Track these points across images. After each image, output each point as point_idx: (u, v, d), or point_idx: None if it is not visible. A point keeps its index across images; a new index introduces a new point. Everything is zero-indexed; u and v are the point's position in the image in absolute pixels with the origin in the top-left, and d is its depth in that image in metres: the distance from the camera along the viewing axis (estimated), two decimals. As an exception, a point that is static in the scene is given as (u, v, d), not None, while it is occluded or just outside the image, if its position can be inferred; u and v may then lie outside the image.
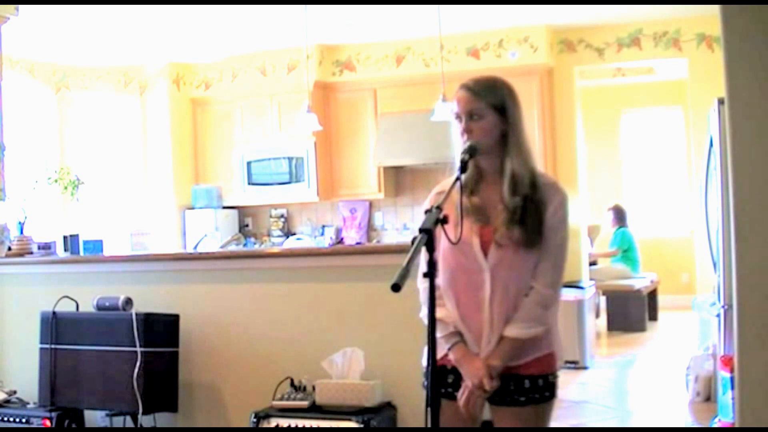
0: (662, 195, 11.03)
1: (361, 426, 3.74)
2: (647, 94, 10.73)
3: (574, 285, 7.20)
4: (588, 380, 6.60)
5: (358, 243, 7.93)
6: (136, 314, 4.15)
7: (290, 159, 8.21)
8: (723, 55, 3.16)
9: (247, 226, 8.86)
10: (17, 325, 4.87)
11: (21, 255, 4.98)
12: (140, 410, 4.04)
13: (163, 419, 4.30)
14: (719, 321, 4.73)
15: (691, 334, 7.40)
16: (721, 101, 4.39)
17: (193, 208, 8.57)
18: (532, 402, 2.48)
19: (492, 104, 2.49)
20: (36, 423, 4.28)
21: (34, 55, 7.90)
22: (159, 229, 8.33)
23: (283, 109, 8.22)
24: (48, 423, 4.25)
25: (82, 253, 5.34)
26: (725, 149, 3.63)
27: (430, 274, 2.18)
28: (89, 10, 6.54)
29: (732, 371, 4.24)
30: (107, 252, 5.78)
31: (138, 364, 4.06)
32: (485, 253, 2.46)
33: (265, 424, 3.95)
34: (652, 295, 9.58)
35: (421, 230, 2.18)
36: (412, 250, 2.13)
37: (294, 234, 8.60)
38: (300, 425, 3.88)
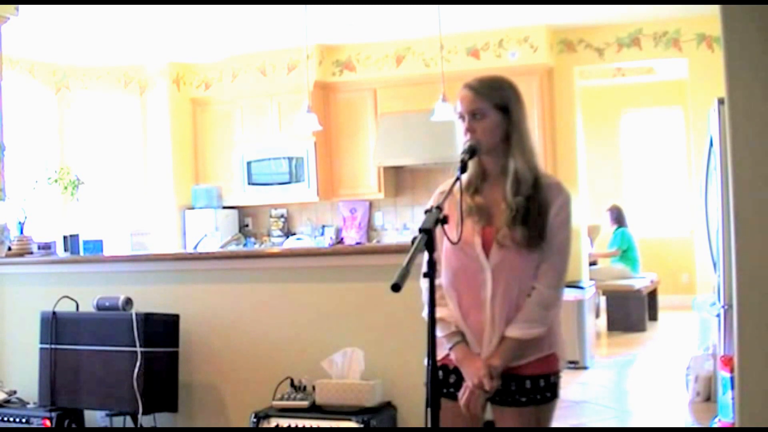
0: (662, 195, 11.03)
1: (361, 426, 3.74)
2: (647, 94, 10.73)
3: (574, 285, 7.19)
4: (588, 380, 6.60)
5: (358, 243, 7.93)
6: (136, 314, 4.15)
7: (290, 159, 8.20)
8: (723, 55, 3.16)
9: (247, 226, 8.86)
10: (17, 325, 4.87)
11: (21, 255, 4.98)
12: (140, 410, 4.04)
13: (163, 419, 4.30)
14: (719, 321, 4.73)
15: (691, 334, 7.40)
16: (721, 101, 4.39)
17: (193, 208, 8.57)
18: (533, 402, 2.49)
19: (495, 104, 2.49)
20: (36, 423, 4.28)
21: (34, 55, 7.90)
22: (159, 229, 8.33)
23: (283, 109, 8.22)
24: (48, 423, 4.25)
25: (82, 253, 5.34)
26: (725, 149, 3.63)
27: (430, 274, 2.19)
28: (89, 10, 6.54)
29: (732, 371, 4.24)
30: (107, 252, 5.77)
31: (138, 364, 4.06)
32: (487, 253, 2.46)
33: (265, 424, 3.95)
34: (652, 295, 9.58)
35: (421, 230, 2.18)
36: (412, 250, 2.13)
37: (294, 234, 8.60)
38: (300, 425, 3.88)
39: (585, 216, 7.99)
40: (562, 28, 7.66)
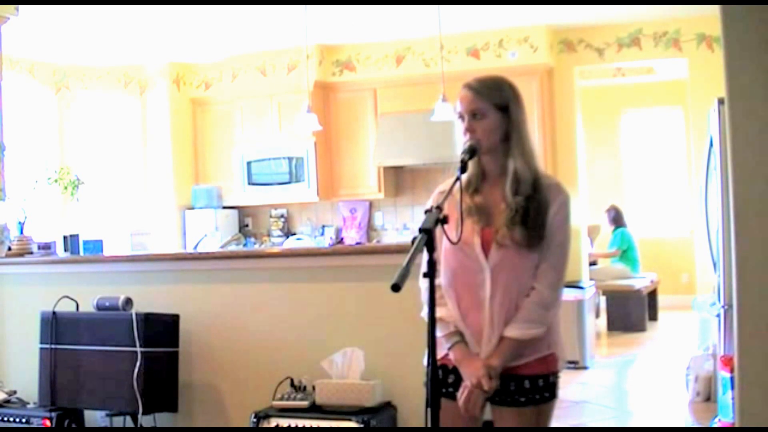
0: (662, 195, 11.03)
1: (361, 426, 3.75)
2: (647, 94, 10.72)
3: (574, 285, 7.19)
4: (588, 380, 6.60)
5: (358, 243, 7.93)
6: (136, 314, 4.15)
7: (290, 159, 8.20)
8: (723, 55, 3.16)
9: (247, 226, 8.86)
10: (17, 325, 4.87)
11: (21, 255, 4.98)
12: (140, 410, 4.04)
13: (163, 419, 4.30)
14: (719, 321, 4.73)
15: (691, 334, 7.39)
16: (721, 101, 4.39)
17: (193, 208, 8.57)
18: (532, 402, 2.48)
19: (495, 104, 2.50)
20: (36, 423, 4.28)
21: (34, 55, 7.90)
22: (159, 229, 8.33)
23: (283, 109, 8.22)
24: (48, 423, 4.25)
25: (82, 253, 5.34)
26: (725, 149, 3.63)
27: (430, 274, 2.19)
28: (89, 10, 6.54)
29: (732, 371, 4.24)
30: (107, 252, 5.77)
31: (138, 364, 4.06)
32: (486, 253, 2.46)
33: (265, 424, 3.95)
34: (652, 295, 9.58)
35: (421, 230, 2.18)
36: (412, 250, 2.13)
37: (294, 234, 8.60)
38: (300, 425, 3.88)
39: (585, 216, 7.99)
40: (562, 28, 7.66)
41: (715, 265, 4.77)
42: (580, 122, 8.01)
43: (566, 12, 7.17)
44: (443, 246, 2.47)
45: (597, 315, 8.83)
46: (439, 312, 2.45)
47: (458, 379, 2.49)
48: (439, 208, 2.26)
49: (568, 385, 6.39)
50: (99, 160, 8.46)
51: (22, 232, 5.18)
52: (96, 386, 4.22)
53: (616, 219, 9.65)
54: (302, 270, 4.30)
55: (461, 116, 2.52)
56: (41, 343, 4.40)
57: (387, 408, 3.94)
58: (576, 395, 6.07)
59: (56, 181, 7.16)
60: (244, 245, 7.66)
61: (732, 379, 4.24)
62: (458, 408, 2.46)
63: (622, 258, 9.50)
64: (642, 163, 11.21)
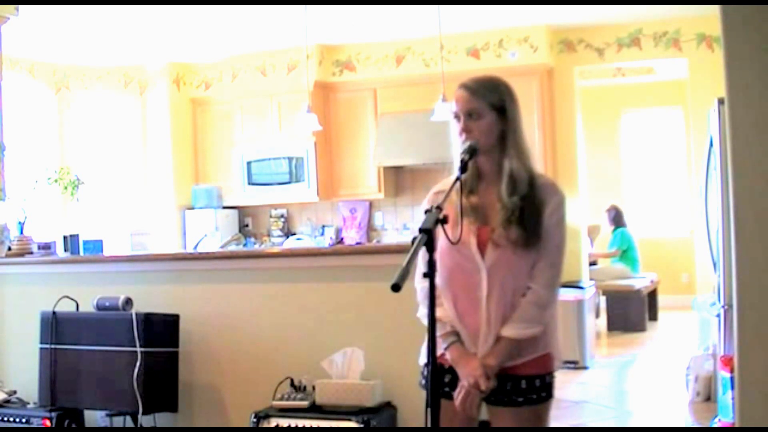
0: (662, 195, 11.03)
1: (361, 426, 3.74)
2: (647, 94, 10.72)
3: (574, 285, 7.19)
4: (588, 380, 6.60)
5: (358, 243, 7.93)
6: (136, 314, 4.15)
7: (290, 159, 8.20)
8: (723, 55, 3.16)
9: (247, 226, 8.86)
10: (17, 325, 4.87)
11: (21, 255, 4.98)
12: (140, 410, 4.04)
13: (163, 419, 4.30)
14: (719, 321, 4.73)
15: (691, 334, 7.40)
16: (721, 101, 4.39)
17: (193, 208, 8.57)
18: (528, 402, 2.49)
19: (491, 104, 2.50)
20: (36, 423, 4.28)
21: (34, 55, 7.90)
22: (159, 229, 8.33)
23: (283, 109, 8.22)
24: (48, 423, 4.25)
25: (82, 253, 5.34)
26: (725, 149, 3.63)
27: (430, 274, 2.18)
28: (89, 10, 6.54)
29: (732, 371, 4.24)
30: (107, 252, 5.77)
31: (138, 364, 4.06)
32: (482, 252, 2.46)
33: (265, 424, 3.95)
34: (652, 295, 9.58)
35: (421, 230, 2.18)
36: (412, 250, 2.13)
37: (294, 234, 8.60)
38: (300, 425, 3.88)
39: (585, 216, 7.99)
40: (562, 28, 7.66)
41: (715, 265, 4.77)
42: (580, 122, 8.01)
43: (566, 12, 7.17)
44: (439, 246, 2.47)
45: (597, 315, 8.83)
46: (437, 312, 2.46)
47: (455, 379, 2.49)
48: (439, 208, 2.26)
49: (568, 385, 6.39)
50: (99, 160, 8.46)
51: (22, 232, 5.18)
52: (96, 386, 4.22)
53: (617, 219, 9.65)
54: (302, 270, 4.30)
55: (457, 116, 2.52)
56: (41, 343, 4.40)
57: (387, 408, 3.94)
58: (576, 395, 6.07)
59: (56, 181, 7.17)
60: (244, 245, 7.66)
61: (732, 379, 4.24)
62: (455, 408, 2.46)
63: (622, 258, 9.50)
64: (642, 163, 11.21)
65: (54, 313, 4.37)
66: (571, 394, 6.07)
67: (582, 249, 7.72)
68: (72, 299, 4.43)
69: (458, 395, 2.46)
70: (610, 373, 6.96)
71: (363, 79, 8.19)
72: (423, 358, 2.61)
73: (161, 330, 4.21)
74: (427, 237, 2.16)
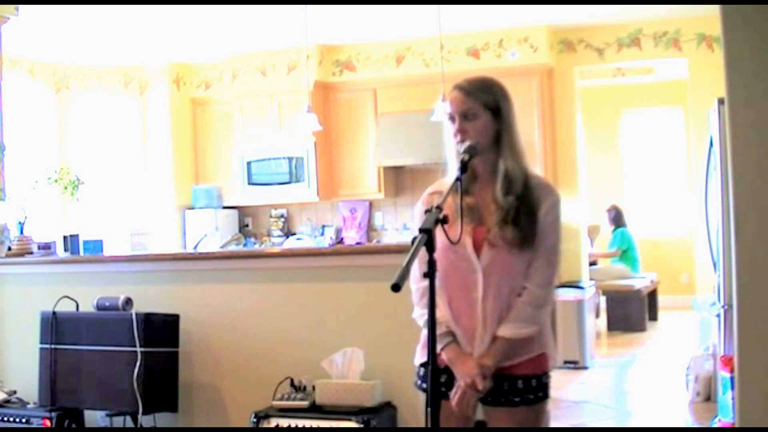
0: (662, 195, 11.03)
1: (361, 426, 3.75)
2: (647, 94, 10.73)
3: (574, 285, 7.20)
4: (588, 380, 6.60)
5: (358, 243, 7.93)
6: (136, 314, 4.15)
7: (290, 159, 8.20)
8: (723, 55, 3.15)
9: (247, 226, 8.86)
10: (17, 325, 4.87)
11: (21, 255, 4.98)
12: (140, 410, 4.04)
13: (163, 419, 4.30)
14: (719, 321, 4.73)
15: (691, 334, 7.40)
16: (721, 101, 4.39)
17: (193, 208, 8.57)
18: (525, 402, 2.49)
19: (486, 104, 2.50)
20: (36, 423, 4.28)
21: (34, 55, 7.90)
22: (159, 229, 8.33)
23: (283, 109, 8.22)
24: (48, 423, 4.25)
25: (82, 253, 5.34)
26: (725, 149, 3.63)
27: (431, 274, 2.18)
28: (89, 10, 6.54)
29: (732, 371, 4.24)
30: (107, 252, 5.77)
31: (138, 364, 4.06)
32: (478, 253, 2.46)
33: (265, 424, 3.95)
34: (652, 295, 9.58)
35: (421, 230, 2.18)
36: (413, 250, 2.14)
37: (294, 234, 8.60)
38: (300, 425, 3.88)
39: (585, 216, 7.99)
40: (562, 28, 7.66)
41: (715, 265, 4.77)
42: (580, 122, 8.01)
43: (566, 12, 7.17)
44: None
45: (597, 315, 8.83)
46: None
47: (451, 379, 2.49)
48: (439, 207, 2.26)
49: (568, 385, 6.39)
50: (99, 160, 8.46)
51: (22, 232, 5.18)
52: (96, 386, 4.22)
53: (617, 219, 9.65)
54: (302, 270, 4.30)
55: (452, 117, 2.52)
56: (41, 343, 4.40)
57: (387, 408, 3.94)
58: (576, 395, 6.07)
59: (56, 181, 7.17)
60: (244, 245, 7.66)
61: (732, 379, 4.24)
62: (451, 408, 2.46)
63: (622, 258, 9.50)
64: (642, 163, 11.21)
65: (54, 313, 4.37)
66: (571, 394, 6.07)
67: (582, 249, 7.72)
68: (72, 299, 4.43)
69: (455, 395, 2.46)
70: (610, 373, 6.96)
71: (363, 79, 8.19)
72: (418, 359, 2.62)
73: (161, 330, 4.21)
74: (427, 237, 2.16)
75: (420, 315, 2.56)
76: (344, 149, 8.24)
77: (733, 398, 4.09)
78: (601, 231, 9.99)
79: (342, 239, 8.38)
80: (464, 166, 2.41)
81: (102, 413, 4.44)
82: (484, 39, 7.76)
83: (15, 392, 4.60)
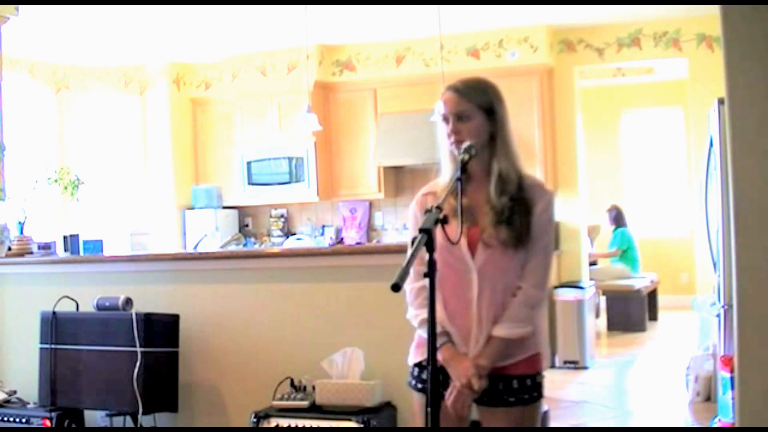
0: (662, 195, 11.04)
1: (361, 426, 3.75)
2: (647, 94, 10.73)
3: (574, 285, 7.19)
4: (588, 380, 6.60)
5: (358, 243, 7.93)
6: (136, 314, 4.15)
7: (290, 159, 8.20)
8: (723, 55, 3.16)
9: (247, 226, 8.86)
10: (17, 325, 4.87)
11: (21, 255, 4.98)
12: (140, 410, 4.04)
13: (163, 419, 4.30)
14: (719, 321, 4.73)
15: (691, 334, 7.40)
16: (721, 101, 4.39)
17: (193, 208, 8.57)
18: (520, 402, 2.50)
19: (480, 105, 2.51)
20: (36, 423, 4.28)
21: (34, 55, 7.90)
22: (159, 229, 8.33)
23: (283, 109, 8.22)
24: (48, 423, 4.25)
25: (82, 253, 5.34)
26: (725, 149, 3.63)
27: (431, 274, 2.18)
28: (89, 10, 6.54)
29: (732, 371, 4.24)
30: (107, 252, 5.77)
31: (138, 364, 4.06)
32: (473, 253, 2.47)
33: (265, 424, 3.95)
34: (652, 295, 9.58)
35: (421, 230, 2.18)
36: (413, 250, 2.14)
37: (294, 234, 8.60)
38: (300, 425, 3.88)
39: (585, 216, 7.99)
40: (562, 28, 7.66)
41: (715, 265, 4.77)
42: (580, 122, 8.00)
43: (566, 12, 7.17)
44: None
45: (597, 315, 8.83)
46: (425, 313, 2.46)
47: (445, 379, 2.49)
48: (439, 208, 2.26)
49: (568, 385, 6.39)
50: (99, 160, 8.46)
51: (22, 232, 5.18)
52: (96, 386, 4.22)
53: (617, 219, 9.65)
54: (302, 270, 4.30)
55: (446, 118, 2.53)
56: (41, 343, 4.40)
57: (387, 408, 3.94)
58: (576, 395, 6.07)
59: (56, 181, 7.16)
60: (244, 245, 7.66)
61: (732, 379, 4.24)
62: (446, 408, 2.46)
63: (622, 258, 9.50)
64: (642, 163, 11.21)
65: (54, 313, 4.37)
66: (571, 394, 6.07)
67: (582, 249, 7.72)
68: (72, 299, 4.43)
69: (450, 395, 2.46)
70: (610, 373, 6.96)
71: (363, 79, 8.19)
72: (411, 358, 2.62)
73: (161, 330, 4.21)
74: (428, 237, 2.16)
75: (414, 315, 2.56)
76: (344, 149, 8.24)
77: (733, 398, 4.09)
78: (601, 231, 9.99)
79: (342, 239, 8.38)
80: (464, 167, 2.41)
81: (102, 413, 4.44)
82: (484, 39, 7.76)
83: (15, 392, 4.60)
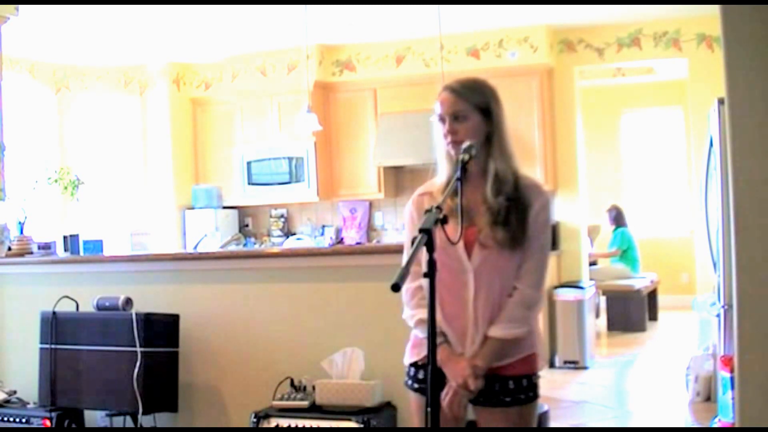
0: (662, 195, 11.04)
1: (361, 426, 3.75)
2: (647, 94, 10.73)
3: (574, 285, 7.19)
4: (588, 380, 6.60)
5: (358, 243, 7.93)
6: (136, 314, 4.15)
7: (290, 159, 8.20)
8: (723, 55, 3.15)
9: (247, 226, 8.86)
10: (17, 325, 4.87)
11: (21, 255, 4.98)
12: (140, 410, 4.04)
13: (163, 419, 4.30)
14: (719, 321, 4.73)
15: (691, 334, 7.40)
16: (721, 101, 4.39)
17: (193, 208, 8.57)
18: (517, 402, 2.50)
19: (476, 106, 2.51)
20: (36, 423, 4.28)
21: (34, 55, 7.90)
22: (159, 229, 8.33)
23: (283, 109, 8.22)
24: (48, 423, 4.25)
25: (82, 253, 5.34)
26: (725, 149, 3.63)
27: (431, 274, 2.18)
28: (89, 10, 6.54)
29: (732, 371, 4.24)
30: (107, 252, 5.77)
31: (138, 364, 4.06)
32: (469, 253, 2.47)
33: (265, 424, 3.95)
34: (652, 295, 9.58)
35: (421, 230, 2.18)
36: (413, 250, 2.14)
37: (294, 234, 8.60)
38: (300, 425, 3.88)
39: (585, 216, 7.99)
40: (562, 28, 7.66)
41: (715, 265, 4.77)
42: (580, 122, 8.01)
43: (566, 12, 7.17)
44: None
45: (597, 315, 8.83)
46: (421, 314, 2.48)
47: (442, 380, 2.48)
48: (440, 208, 2.26)
49: (568, 385, 6.39)
50: (99, 160, 8.46)
51: (22, 232, 5.18)
52: (96, 386, 4.22)
53: (617, 218, 9.65)
54: (302, 270, 4.30)
55: (442, 118, 2.52)
56: (41, 343, 4.40)
57: (387, 408, 3.94)
58: (576, 395, 6.07)
59: (56, 181, 7.17)
60: (244, 245, 7.66)
61: (732, 379, 4.24)
62: (442, 408, 2.45)
63: (622, 258, 9.51)
64: (642, 163, 11.21)
65: (54, 313, 4.37)
66: (571, 394, 6.07)
67: (582, 249, 7.72)
68: (72, 299, 4.43)
69: (446, 396, 2.46)
70: (610, 373, 6.96)
71: (363, 79, 8.19)
72: (407, 358, 2.62)
73: (161, 330, 4.21)
74: (428, 237, 2.16)
75: (410, 316, 2.56)
76: (344, 149, 8.24)
77: (733, 398, 4.09)
78: (601, 231, 9.99)
79: (342, 239, 8.38)
80: (464, 167, 2.40)
81: (102, 413, 4.44)
82: (484, 39, 7.76)
83: (15, 392, 4.60)
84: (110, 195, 8.48)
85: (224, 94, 8.59)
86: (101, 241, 5.64)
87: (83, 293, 4.44)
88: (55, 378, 4.32)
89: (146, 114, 8.72)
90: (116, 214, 8.35)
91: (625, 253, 9.48)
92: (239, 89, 8.45)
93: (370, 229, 8.44)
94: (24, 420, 4.33)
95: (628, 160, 11.24)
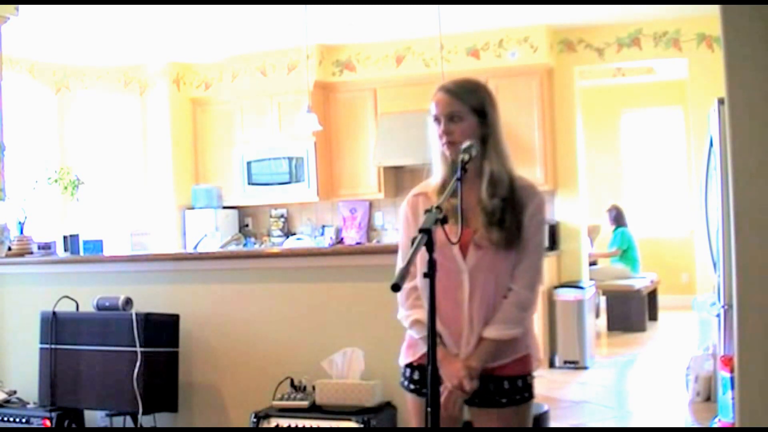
0: (662, 195, 11.04)
1: (361, 426, 3.75)
2: (647, 94, 10.73)
3: (574, 285, 7.19)
4: (588, 380, 6.60)
5: (358, 243, 7.93)
6: (136, 314, 4.15)
7: (290, 159, 8.20)
8: (723, 55, 3.15)
9: (247, 226, 8.86)
10: (17, 325, 4.87)
11: (21, 255, 4.98)
12: (140, 410, 4.04)
13: (163, 419, 4.30)
14: (719, 321, 4.73)
15: (691, 334, 7.40)
16: (721, 101, 4.40)
17: (193, 208, 8.57)
18: (512, 403, 2.51)
19: (472, 107, 2.51)
20: (36, 423, 4.29)
21: (34, 55, 7.90)
22: (159, 229, 8.33)
23: (283, 109, 8.22)
24: (48, 423, 4.25)
25: (82, 253, 5.34)
26: (725, 149, 3.63)
27: (431, 274, 2.18)
28: (89, 10, 6.54)
29: (732, 371, 4.24)
30: (107, 252, 5.77)
31: (138, 364, 4.06)
32: (464, 254, 2.47)
33: (265, 424, 3.95)
34: (652, 295, 9.58)
35: (421, 230, 2.17)
36: (413, 250, 2.14)
37: (294, 234, 8.60)
38: (300, 425, 3.88)
39: (585, 216, 7.99)
40: (562, 28, 7.66)
41: (715, 265, 4.77)
42: (580, 122, 8.01)
43: (566, 12, 7.17)
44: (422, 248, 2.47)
45: (597, 315, 8.83)
46: (417, 314, 2.48)
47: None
48: (439, 208, 2.26)
49: (568, 385, 6.39)
50: (99, 160, 8.46)
51: (22, 232, 5.18)
52: (96, 386, 4.22)
53: (617, 218, 9.65)
54: (302, 270, 4.30)
55: (437, 119, 2.52)
56: (41, 343, 4.40)
57: (387, 408, 3.95)
58: (576, 395, 6.07)
59: (56, 181, 7.17)
60: (244, 245, 7.65)
61: (732, 379, 4.24)
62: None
63: (622, 258, 9.51)
64: (642, 163, 11.21)
65: (54, 313, 4.37)
66: (571, 394, 6.07)
67: (582, 249, 7.72)
68: (72, 299, 4.43)
69: (441, 396, 2.46)
70: (610, 373, 6.96)
71: (363, 79, 8.19)
72: (403, 359, 2.62)
73: (161, 330, 4.21)
74: (428, 237, 2.16)
75: (405, 316, 2.56)
76: (344, 149, 8.25)
77: (733, 398, 4.09)
78: (601, 231, 9.99)
79: (342, 239, 8.38)
80: (463, 167, 2.40)
81: (102, 413, 4.44)
82: (484, 39, 7.76)
83: (15, 392, 4.60)
84: (110, 195, 8.48)
85: (224, 94, 8.59)
86: (101, 241, 5.64)
87: (83, 293, 4.45)
88: (55, 378, 4.32)
89: (146, 114, 8.72)
90: (116, 214, 8.35)
91: (625, 253, 9.48)
92: (239, 89, 8.45)
93: (370, 229, 8.44)
94: (24, 420, 4.33)
95: (628, 160, 11.24)
